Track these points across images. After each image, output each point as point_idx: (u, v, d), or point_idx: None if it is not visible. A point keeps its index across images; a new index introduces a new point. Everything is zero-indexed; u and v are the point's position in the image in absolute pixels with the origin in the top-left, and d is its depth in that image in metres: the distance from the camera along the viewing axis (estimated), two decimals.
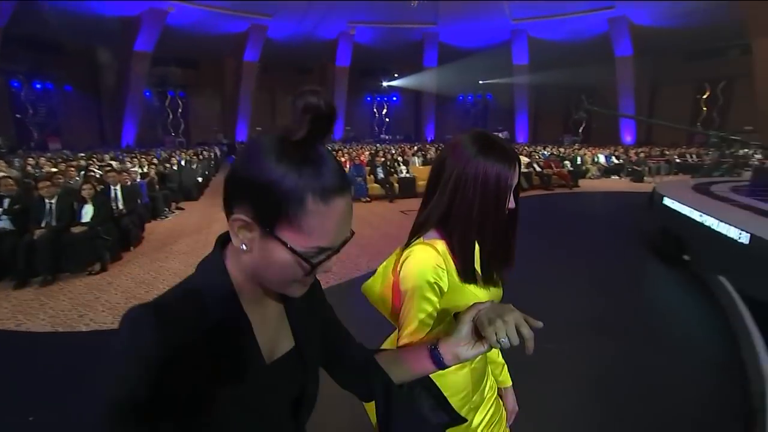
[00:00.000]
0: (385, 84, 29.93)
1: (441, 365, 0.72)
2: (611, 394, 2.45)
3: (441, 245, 0.91)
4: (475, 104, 30.93)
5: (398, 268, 0.92)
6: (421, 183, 9.65)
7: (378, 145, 22.10)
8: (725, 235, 3.87)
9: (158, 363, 0.49)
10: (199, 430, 0.52)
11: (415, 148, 14.54)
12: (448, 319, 0.90)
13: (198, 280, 0.57)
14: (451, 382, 0.96)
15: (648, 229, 5.98)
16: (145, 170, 8.58)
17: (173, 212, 8.15)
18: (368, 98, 31.51)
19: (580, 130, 27.96)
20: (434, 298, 0.89)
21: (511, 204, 0.92)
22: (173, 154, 13.84)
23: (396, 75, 28.97)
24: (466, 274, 0.91)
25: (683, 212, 4.94)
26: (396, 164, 10.19)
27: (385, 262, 1.03)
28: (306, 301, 0.65)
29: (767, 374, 2.38)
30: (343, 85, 25.95)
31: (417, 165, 10.97)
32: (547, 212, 8.37)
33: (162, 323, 0.51)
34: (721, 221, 4.01)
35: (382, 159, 10.36)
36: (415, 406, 0.82)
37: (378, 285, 1.03)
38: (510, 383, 1.17)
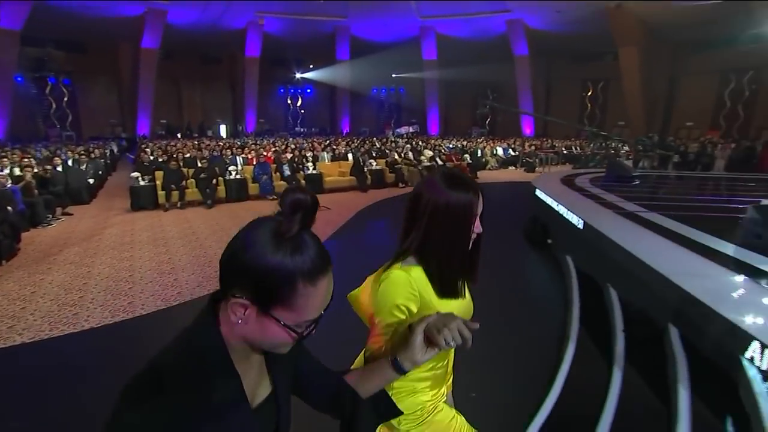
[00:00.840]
0: (298, 76, 29.44)
1: (402, 371, 0.89)
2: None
3: (416, 271, 1.04)
4: (389, 97, 31.72)
5: (378, 286, 1.05)
6: (330, 179, 9.95)
7: (291, 138, 21.84)
8: (569, 221, 4.65)
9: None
10: None
11: (327, 143, 14.64)
12: (402, 330, 1.01)
13: (196, 342, 0.64)
14: (410, 403, 1.10)
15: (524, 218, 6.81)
16: (18, 173, 7.72)
17: (59, 218, 7.47)
18: (281, 90, 30.78)
19: (487, 123, 30.09)
20: (401, 317, 1.02)
21: (478, 228, 1.06)
22: (58, 151, 12.48)
23: (311, 66, 28.63)
24: (444, 292, 1.06)
25: (547, 202, 5.76)
26: (304, 160, 10.29)
27: (372, 276, 1.13)
28: None
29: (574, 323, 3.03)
30: (254, 76, 25.05)
31: (326, 161, 11.15)
32: None
33: (167, 389, 0.58)
34: (569, 210, 4.80)
35: (289, 156, 10.38)
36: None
37: (363, 296, 1.15)
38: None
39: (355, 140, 16.88)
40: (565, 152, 16.25)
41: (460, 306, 1.09)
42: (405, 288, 1.02)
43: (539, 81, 26.15)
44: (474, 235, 1.07)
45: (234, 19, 22.56)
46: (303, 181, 9.49)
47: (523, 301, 4.09)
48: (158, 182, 8.41)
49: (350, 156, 11.19)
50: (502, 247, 5.71)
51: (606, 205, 5.14)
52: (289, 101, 31.53)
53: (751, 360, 1.96)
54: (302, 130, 29.70)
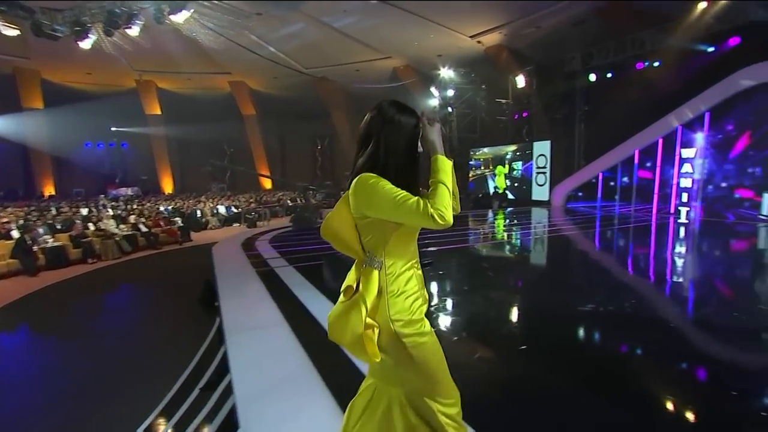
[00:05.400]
0: None
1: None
2: None
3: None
4: (109, 153, 27.74)
5: (352, 194, 1.32)
6: None
7: None
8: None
9: None
10: None
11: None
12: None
13: None
14: (405, 305, 1.34)
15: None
16: None
17: None
18: None
19: (227, 178, 29.99)
20: (400, 192, 1.26)
21: (420, 148, 1.38)
22: None
23: None
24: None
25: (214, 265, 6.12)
26: None
27: (334, 210, 1.41)
28: None
29: None
30: None
31: None
32: (130, 279, 8.42)
33: None
34: (218, 273, 5.22)
35: None
36: None
37: (334, 222, 1.41)
38: None
39: (32, 208, 13.77)
40: (290, 204, 17.70)
41: None
42: (378, 177, 1.29)
43: (272, 137, 28.09)
44: (418, 153, 1.38)
45: None
46: None
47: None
48: None
49: (15, 233, 9.09)
50: (174, 312, 5.63)
51: (258, 263, 5.86)
52: None
53: None
54: None
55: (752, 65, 10.66)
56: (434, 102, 19.48)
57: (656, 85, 12.76)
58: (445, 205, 1.25)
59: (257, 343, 3.29)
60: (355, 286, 1.36)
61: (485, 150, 19.29)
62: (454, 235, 8.97)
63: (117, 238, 9.62)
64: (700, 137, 12.26)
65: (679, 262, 6.84)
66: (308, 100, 25.68)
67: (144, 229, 10.50)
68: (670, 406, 2.50)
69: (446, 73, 18.63)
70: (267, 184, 27.20)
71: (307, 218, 10.52)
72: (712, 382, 2.86)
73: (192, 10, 13.40)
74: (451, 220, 1.24)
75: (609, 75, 14.39)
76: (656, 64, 12.90)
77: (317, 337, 3.27)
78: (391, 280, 1.35)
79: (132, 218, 11.01)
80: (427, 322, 1.39)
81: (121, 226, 10.30)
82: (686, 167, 12.48)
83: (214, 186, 27.68)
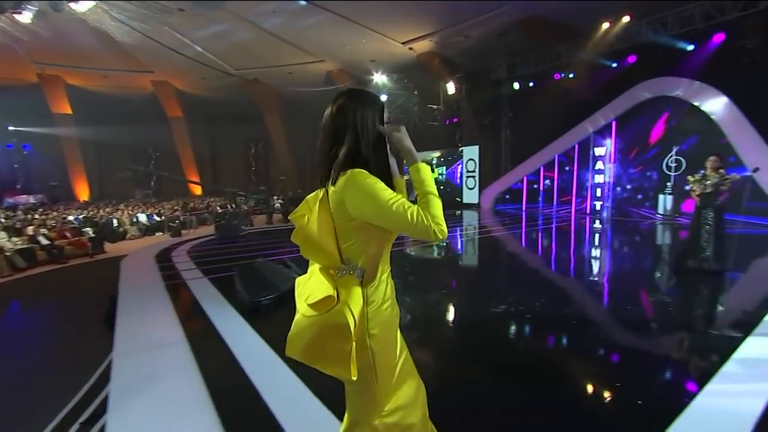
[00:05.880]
0: None
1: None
2: None
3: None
4: (7, 155, 24.63)
5: (338, 192, 1.21)
6: None
7: None
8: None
9: None
10: None
11: None
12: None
13: None
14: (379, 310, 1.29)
15: None
16: None
17: None
18: None
19: (152, 183, 27.99)
20: (392, 193, 1.19)
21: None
22: None
23: None
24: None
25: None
26: None
27: (300, 210, 1.28)
28: None
29: None
30: None
31: None
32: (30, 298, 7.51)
33: None
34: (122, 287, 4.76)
35: None
36: None
37: (313, 224, 1.25)
38: None
39: None
40: (220, 211, 16.83)
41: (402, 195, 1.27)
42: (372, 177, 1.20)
43: (201, 140, 26.65)
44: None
45: None
46: None
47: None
48: None
49: None
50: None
51: (170, 276, 5.44)
52: None
53: None
54: None
55: (648, 80, 11.89)
56: None
57: (572, 95, 13.77)
58: (442, 217, 1.19)
59: (146, 366, 2.99)
60: (335, 296, 1.20)
61: (433, 154, 19.74)
62: None
63: (7, 253, 8.51)
64: (609, 144, 13.42)
65: (590, 259, 7.37)
66: (240, 103, 24.67)
67: (45, 241, 9.41)
68: (561, 392, 2.65)
69: (379, 78, 18.80)
70: (197, 190, 25.70)
71: (235, 226, 10.05)
72: (600, 372, 3.06)
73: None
74: (447, 233, 1.19)
75: (531, 84, 15.28)
76: (571, 75, 13.90)
77: (219, 356, 3.04)
78: (372, 291, 1.26)
79: (30, 229, 9.83)
80: (401, 338, 1.41)
81: (14, 238, 9.14)
82: (599, 167, 13.61)
83: (138, 193, 25.70)
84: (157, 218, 14.16)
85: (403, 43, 17.37)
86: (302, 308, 1.24)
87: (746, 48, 10.28)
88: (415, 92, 19.41)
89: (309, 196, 1.33)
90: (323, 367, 1.22)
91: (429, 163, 18.76)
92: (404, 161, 1.30)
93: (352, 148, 1.24)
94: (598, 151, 13.65)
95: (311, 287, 1.25)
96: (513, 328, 3.95)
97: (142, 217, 13.81)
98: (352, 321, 1.16)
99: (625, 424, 2.40)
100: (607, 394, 2.71)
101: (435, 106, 18.86)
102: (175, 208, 16.25)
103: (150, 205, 17.21)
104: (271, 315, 3.97)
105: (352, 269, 1.25)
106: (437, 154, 18.49)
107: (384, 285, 1.31)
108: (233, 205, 15.31)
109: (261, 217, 14.27)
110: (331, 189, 1.25)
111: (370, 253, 1.26)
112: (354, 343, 1.16)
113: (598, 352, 3.44)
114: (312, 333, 1.20)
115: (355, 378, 1.17)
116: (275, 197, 17.77)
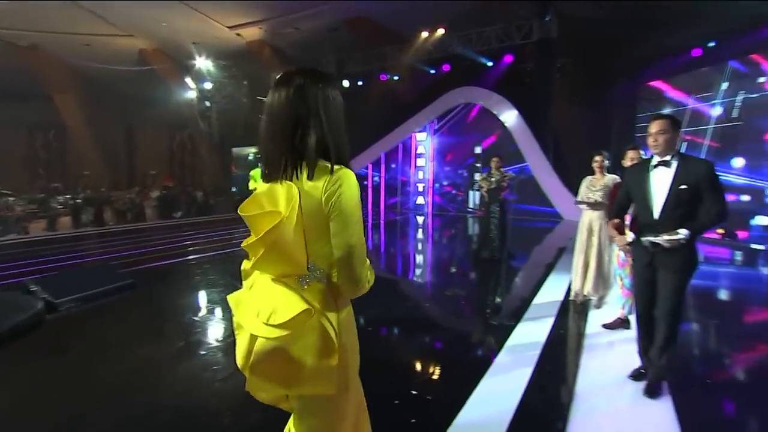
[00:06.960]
0: None
1: None
2: None
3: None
4: None
5: (330, 188, 1.06)
6: None
7: None
8: None
9: None
10: None
11: None
12: None
13: None
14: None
15: None
16: None
17: None
18: None
19: None
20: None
21: None
22: None
23: None
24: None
25: None
26: None
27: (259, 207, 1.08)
28: None
29: None
30: None
31: None
32: None
33: None
34: None
35: None
36: None
37: (287, 227, 1.04)
38: None
39: None
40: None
41: None
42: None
43: None
44: None
45: None
46: None
47: None
48: None
49: None
50: None
51: None
52: None
53: None
54: None
55: (459, 88, 13.39)
56: (192, 94, 17.55)
57: (397, 96, 14.61)
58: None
59: None
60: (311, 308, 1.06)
61: (250, 149, 18.52)
62: (214, 239, 7.95)
63: None
64: (428, 144, 14.71)
65: (406, 255, 7.77)
66: (15, 78, 19.31)
67: None
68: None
69: (203, 63, 16.96)
70: None
71: None
72: (397, 371, 3.00)
73: None
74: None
75: (359, 83, 15.69)
76: (396, 77, 14.74)
77: None
78: (337, 297, 1.16)
79: None
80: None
81: None
82: (420, 165, 14.85)
83: None
84: None
85: (229, 28, 15.94)
86: (262, 330, 1.05)
87: (526, 70, 12.40)
88: (245, 82, 18.13)
89: (260, 189, 1.13)
90: (299, 388, 1.11)
91: (245, 158, 17.76)
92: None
93: (320, 140, 1.11)
94: (420, 151, 14.87)
95: (269, 303, 1.07)
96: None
97: None
98: (333, 331, 1.09)
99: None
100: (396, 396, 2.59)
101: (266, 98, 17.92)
102: None
103: None
104: None
105: (319, 275, 1.13)
106: (254, 150, 17.53)
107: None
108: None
109: (40, 223, 11.24)
110: (309, 184, 1.09)
111: (331, 256, 1.14)
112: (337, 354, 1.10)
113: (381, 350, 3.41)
114: (286, 356, 1.07)
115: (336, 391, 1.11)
116: (70, 197, 14.36)
